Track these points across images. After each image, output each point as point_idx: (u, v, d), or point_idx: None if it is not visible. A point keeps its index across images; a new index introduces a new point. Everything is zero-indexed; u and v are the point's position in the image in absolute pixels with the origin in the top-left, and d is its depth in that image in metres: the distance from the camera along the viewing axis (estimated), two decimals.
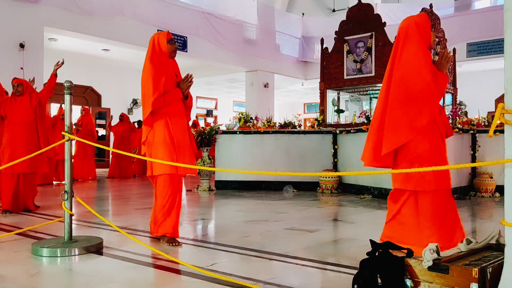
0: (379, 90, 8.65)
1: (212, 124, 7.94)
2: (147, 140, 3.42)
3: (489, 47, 12.64)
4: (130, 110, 16.00)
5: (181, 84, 3.48)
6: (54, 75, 5.31)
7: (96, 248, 3.13)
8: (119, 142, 11.03)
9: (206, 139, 7.57)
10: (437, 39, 8.27)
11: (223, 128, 8.08)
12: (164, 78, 3.37)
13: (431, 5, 8.27)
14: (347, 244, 3.39)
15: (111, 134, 12.68)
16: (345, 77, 8.20)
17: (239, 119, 8.21)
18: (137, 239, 3.28)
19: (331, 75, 8.40)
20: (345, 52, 8.16)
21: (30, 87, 5.27)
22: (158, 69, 3.37)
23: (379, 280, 1.96)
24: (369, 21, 7.86)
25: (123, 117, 11.30)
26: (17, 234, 3.65)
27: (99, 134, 13.97)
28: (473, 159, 6.77)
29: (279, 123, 8.16)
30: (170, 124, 3.39)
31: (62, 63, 5.30)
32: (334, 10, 17.26)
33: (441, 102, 8.92)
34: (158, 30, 11.50)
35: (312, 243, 3.39)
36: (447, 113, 8.36)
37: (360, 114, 8.00)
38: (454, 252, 2.05)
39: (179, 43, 11.97)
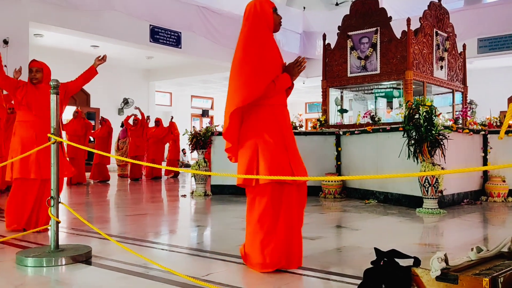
0: (385, 88, 8.68)
1: (208, 125, 7.95)
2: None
3: (501, 43, 12.67)
4: (120, 110, 16.01)
5: (291, 68, 2.95)
6: (95, 69, 4.75)
7: (84, 257, 3.12)
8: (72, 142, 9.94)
9: (202, 140, 7.58)
10: (445, 35, 8.30)
11: (219, 129, 8.08)
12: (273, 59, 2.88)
13: None
14: (351, 252, 3.39)
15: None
16: (349, 74, 8.22)
17: None
18: (128, 247, 3.28)
19: (334, 72, 8.42)
20: (348, 49, 8.18)
21: (48, 75, 4.54)
22: (265, 47, 2.85)
23: None
24: (374, 16, 7.88)
25: (77, 113, 10.17)
26: (0, 242, 3.64)
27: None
28: (485, 162, 6.79)
29: None
30: (278, 119, 2.90)
31: (104, 58, 4.78)
32: (337, 4, 17.30)
33: (449, 101, 8.95)
34: (150, 26, 11.52)
35: (314, 251, 3.39)
36: (456, 113, 8.40)
37: (364, 114, 8.01)
38: (463, 260, 2.06)
39: (172, 39, 11.99)
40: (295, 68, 2.94)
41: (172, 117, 13.45)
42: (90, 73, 4.75)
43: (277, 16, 2.96)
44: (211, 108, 21.58)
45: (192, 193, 7.67)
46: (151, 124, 12.68)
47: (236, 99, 2.79)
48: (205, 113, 20.93)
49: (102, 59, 4.76)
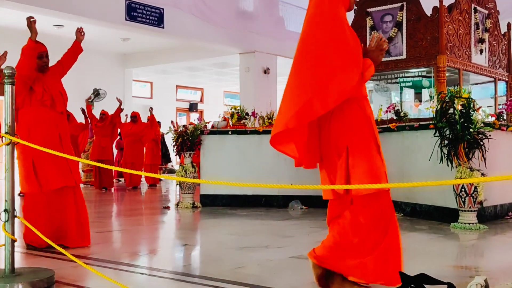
0: (412, 77, 8.67)
1: (196, 122, 7.93)
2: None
3: None
4: (90, 103, 15.99)
5: (372, 52, 2.91)
6: (80, 45, 4.87)
7: (45, 283, 3.12)
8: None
9: (189, 141, 7.57)
10: (486, 12, 8.31)
11: (210, 126, 8.09)
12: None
13: None
14: None
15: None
16: None
17: (232, 115, 8.21)
18: (99, 271, 3.28)
19: None
20: (368, 28, 8.18)
21: None
22: (349, 32, 2.83)
23: None
24: None
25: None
26: None
27: None
28: None
29: None
30: (367, 114, 2.89)
31: (82, 32, 4.86)
32: None
33: (491, 92, 8.95)
34: (126, 0, 11.51)
35: None
36: (499, 106, 8.40)
37: (388, 108, 8.01)
38: (508, 287, 2.06)
39: (153, 17, 11.99)
40: (377, 51, 2.90)
41: (151, 109, 13.23)
42: (76, 48, 4.84)
43: None
44: (201, 101, 21.59)
45: (177, 204, 7.66)
46: (127, 119, 12.62)
47: (329, 97, 2.68)
48: (193, 107, 20.93)
49: (82, 33, 4.84)
